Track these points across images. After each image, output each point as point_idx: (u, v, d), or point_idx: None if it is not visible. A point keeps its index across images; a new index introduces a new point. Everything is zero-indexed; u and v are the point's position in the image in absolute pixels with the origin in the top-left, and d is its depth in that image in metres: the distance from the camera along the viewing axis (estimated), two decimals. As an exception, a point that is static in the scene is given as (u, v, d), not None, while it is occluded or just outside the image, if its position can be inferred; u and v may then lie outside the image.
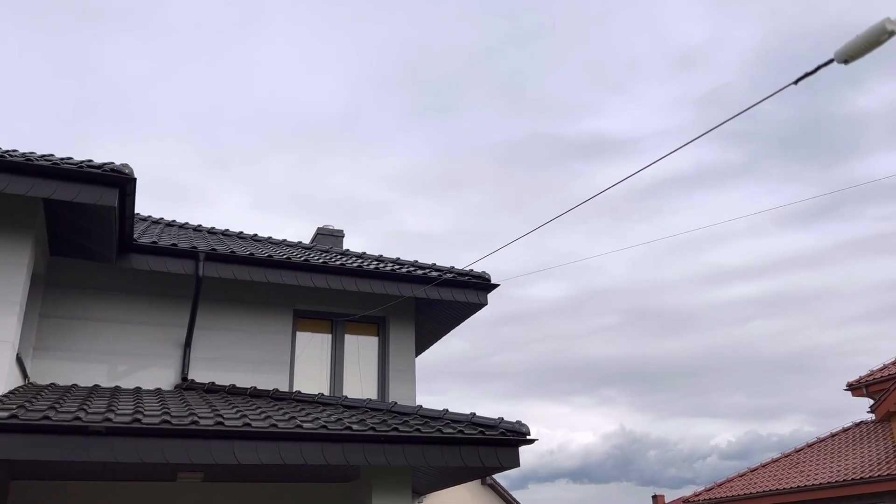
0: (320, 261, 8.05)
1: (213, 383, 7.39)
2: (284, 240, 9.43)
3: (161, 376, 7.22)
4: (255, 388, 7.28)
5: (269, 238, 9.29)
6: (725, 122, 3.83)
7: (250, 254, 7.57)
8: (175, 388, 7.13)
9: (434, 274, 8.15)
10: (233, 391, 7.13)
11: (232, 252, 7.50)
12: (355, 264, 8.03)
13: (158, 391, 6.76)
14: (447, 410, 6.09)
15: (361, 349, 8.61)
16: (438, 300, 8.40)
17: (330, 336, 8.49)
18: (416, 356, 9.40)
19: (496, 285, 8.40)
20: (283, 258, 7.68)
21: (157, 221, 9.00)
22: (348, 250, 9.51)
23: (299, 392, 7.06)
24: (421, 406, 6.38)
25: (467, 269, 8.29)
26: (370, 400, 6.67)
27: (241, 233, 9.20)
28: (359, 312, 8.29)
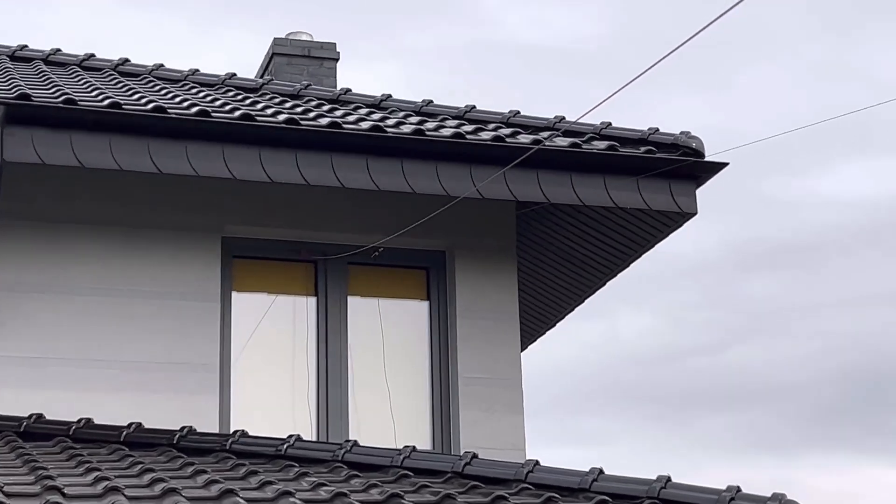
0: (283, 118, 7.89)
1: (38, 417, 7.39)
2: (195, 71, 9.76)
3: None
4: (135, 425, 7.28)
5: (183, 75, 9.65)
6: None
7: (110, 104, 7.58)
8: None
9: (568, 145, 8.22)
10: (81, 436, 7.22)
11: (66, 100, 7.52)
12: (396, 124, 8.25)
13: None
14: (601, 472, 6.18)
15: (388, 329, 8.59)
16: (577, 208, 8.54)
17: (313, 300, 8.48)
18: (523, 348, 9.63)
19: (719, 166, 8.24)
20: (190, 112, 7.79)
21: None
22: (348, 92, 9.35)
23: (244, 435, 7.10)
24: (537, 463, 6.34)
25: (644, 130, 8.35)
26: (411, 450, 6.66)
27: (123, 62, 9.76)
28: (378, 241, 8.22)
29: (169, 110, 7.57)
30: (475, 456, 6.45)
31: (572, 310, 10.01)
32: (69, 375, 7.70)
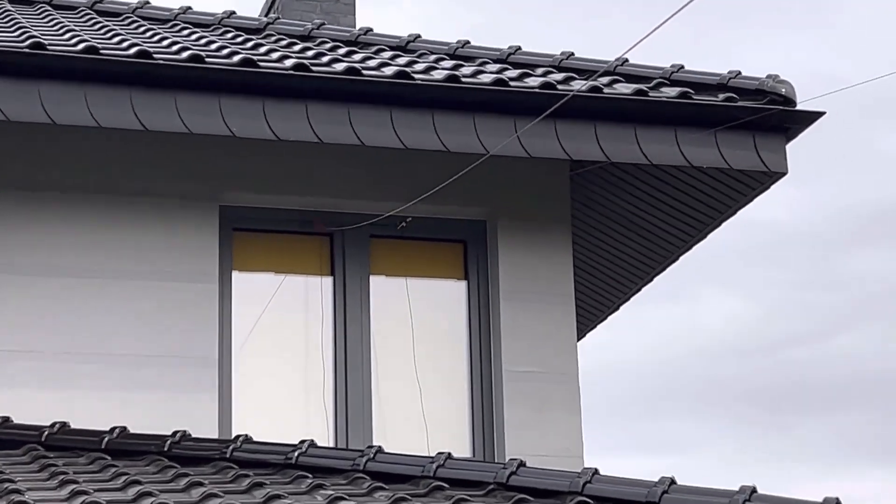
0: (292, 63, 7.92)
1: (4, 421, 7.50)
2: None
3: None
4: (119, 429, 7.35)
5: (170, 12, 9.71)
6: None
7: (85, 48, 7.66)
8: None
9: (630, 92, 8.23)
10: (55, 443, 7.32)
11: (33, 44, 7.57)
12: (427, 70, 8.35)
13: None
14: (673, 482, 6.21)
15: (418, 315, 8.66)
16: (642, 167, 8.64)
17: (329, 281, 8.60)
18: (580, 337, 9.83)
19: (813, 115, 8.36)
20: (181, 57, 7.85)
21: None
22: (368, 32, 9.35)
23: (247, 440, 7.19)
24: (596, 472, 6.37)
25: (723, 74, 8.37)
26: (446, 457, 6.68)
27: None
28: (404, 208, 8.25)
29: (156, 55, 7.60)
30: (523, 464, 6.47)
31: (638, 290, 10.05)
32: (40, 371, 7.76)
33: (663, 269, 9.71)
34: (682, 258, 9.43)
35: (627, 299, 10.26)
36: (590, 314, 10.46)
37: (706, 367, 26.69)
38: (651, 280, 9.86)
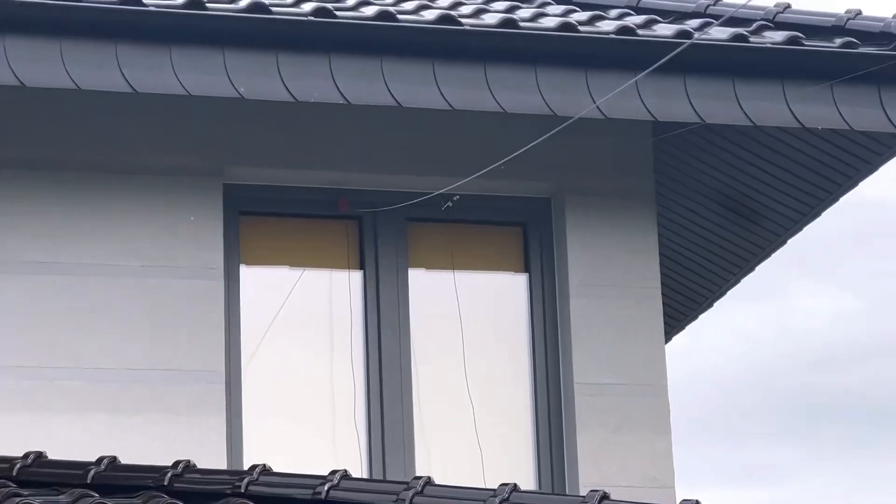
0: (311, 7, 7.81)
1: None
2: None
3: None
4: (108, 460, 7.31)
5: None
6: None
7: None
8: None
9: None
10: (30, 477, 7.29)
11: None
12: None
13: None
14: None
15: (469, 317, 8.59)
16: (740, 129, 8.62)
17: (357, 276, 8.63)
18: (668, 338, 9.96)
19: None
20: (176, 2, 7.69)
21: None
22: None
23: (265, 471, 7.03)
24: None
25: (839, 15, 8.43)
26: (510, 490, 6.39)
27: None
28: (450, 185, 8.24)
29: (146, 1, 7.47)
30: (606, 497, 6.25)
31: (736, 282, 10.19)
32: (8, 390, 7.62)
33: (767, 255, 9.85)
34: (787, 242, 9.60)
35: (723, 293, 10.45)
36: (677, 312, 10.55)
37: (803, 375, 26.20)
38: (752, 269, 10.02)
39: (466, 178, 8.04)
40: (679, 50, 7.65)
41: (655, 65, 7.61)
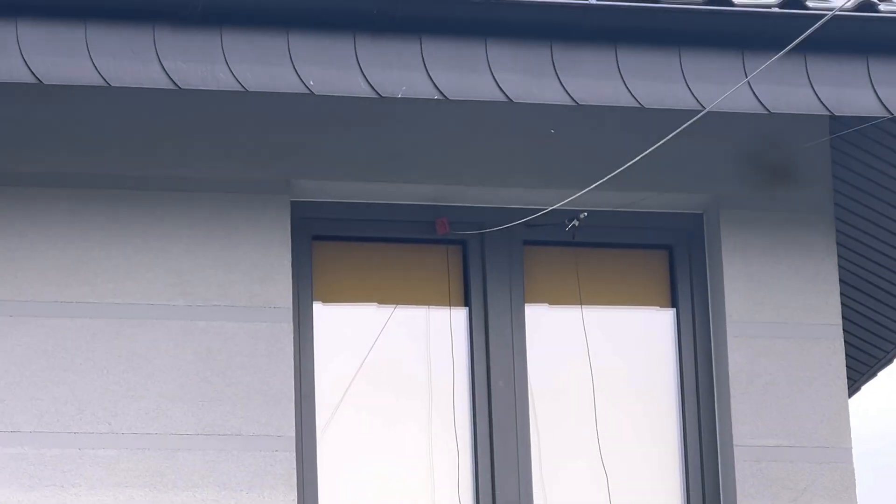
0: None
1: None
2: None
3: None
4: None
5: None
6: None
7: None
8: None
9: None
10: None
11: None
12: None
13: None
14: None
15: (600, 362, 7.87)
16: None
17: (461, 314, 7.97)
18: (853, 390, 10.09)
19: None
20: None
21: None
22: None
23: None
24: None
25: None
26: None
27: None
28: (574, 198, 7.65)
29: None
30: None
31: None
32: (31, 461, 6.84)
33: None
34: None
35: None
36: (866, 355, 9.66)
37: None
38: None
39: (591, 186, 7.09)
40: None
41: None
